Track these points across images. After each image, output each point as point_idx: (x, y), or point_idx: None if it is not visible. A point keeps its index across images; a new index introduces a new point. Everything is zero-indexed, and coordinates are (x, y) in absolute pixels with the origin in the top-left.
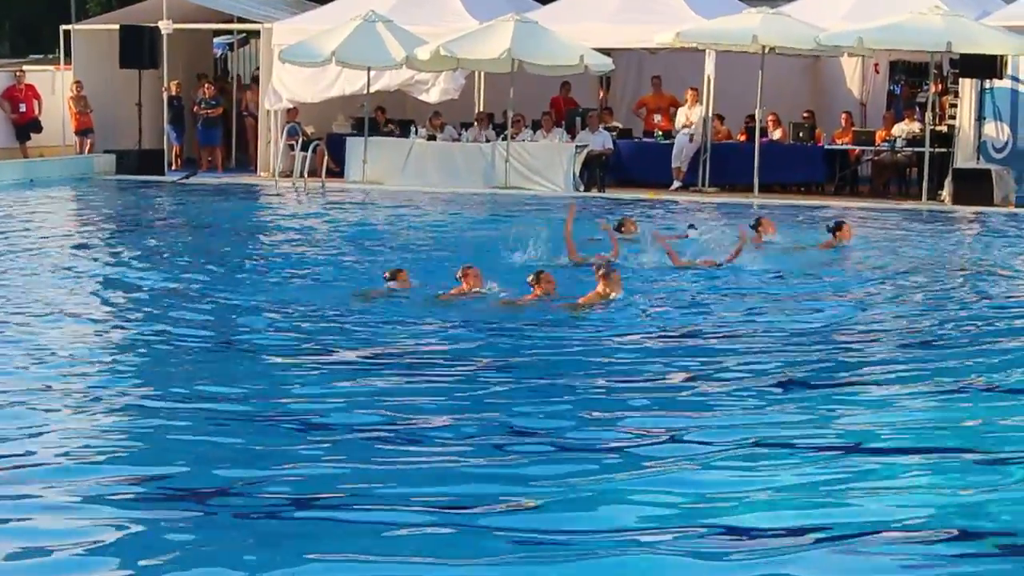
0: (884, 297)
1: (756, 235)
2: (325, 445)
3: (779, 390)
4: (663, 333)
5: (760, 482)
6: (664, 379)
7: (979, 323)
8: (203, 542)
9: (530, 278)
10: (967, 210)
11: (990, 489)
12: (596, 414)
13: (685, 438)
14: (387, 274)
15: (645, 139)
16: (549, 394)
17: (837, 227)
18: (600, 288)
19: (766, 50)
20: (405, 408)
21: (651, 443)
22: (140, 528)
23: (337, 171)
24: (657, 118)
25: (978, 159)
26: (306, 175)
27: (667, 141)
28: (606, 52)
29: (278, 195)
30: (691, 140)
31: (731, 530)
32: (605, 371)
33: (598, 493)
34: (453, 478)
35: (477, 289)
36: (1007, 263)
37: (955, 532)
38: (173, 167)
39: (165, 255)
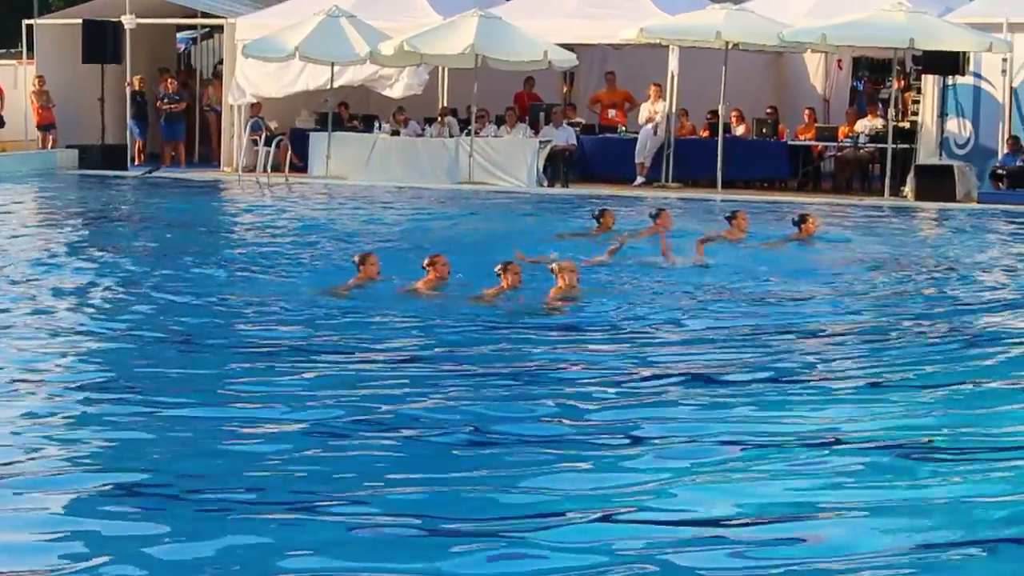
0: (851, 292)
1: (731, 228)
2: (290, 441)
3: (750, 385)
4: (634, 330)
5: (728, 475)
6: (632, 374)
7: (943, 320)
8: (164, 539)
9: (497, 268)
10: (929, 206)
11: (961, 483)
12: (557, 408)
13: (646, 432)
14: (356, 258)
15: (609, 135)
16: (512, 388)
17: (802, 220)
18: (559, 283)
19: (729, 46)
20: (370, 402)
21: (613, 439)
22: (94, 525)
23: (300, 166)
24: (612, 113)
25: (940, 155)
26: (269, 170)
27: (631, 136)
28: (570, 48)
29: (241, 190)
30: (655, 134)
31: (695, 523)
32: (569, 366)
33: (556, 487)
34: (419, 473)
35: (443, 278)
36: (973, 259)
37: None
38: (136, 162)
39: (128, 251)
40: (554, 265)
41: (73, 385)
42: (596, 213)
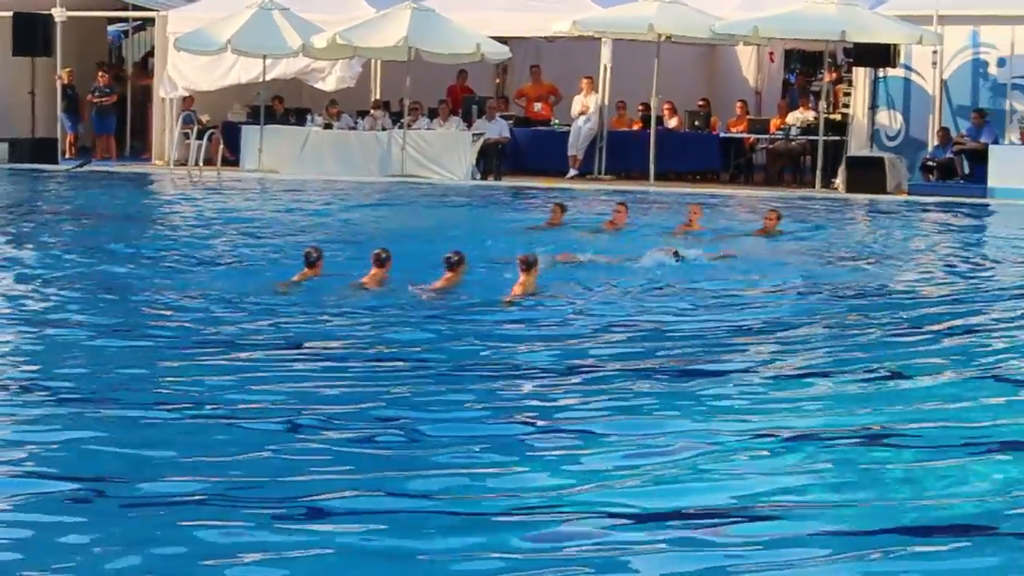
0: (798, 287)
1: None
2: (233, 437)
3: (704, 380)
4: (593, 325)
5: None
6: (589, 369)
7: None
8: (105, 537)
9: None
10: (861, 198)
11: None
12: (506, 403)
13: (599, 428)
14: (313, 252)
15: (542, 128)
16: (456, 383)
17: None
18: (523, 277)
19: (662, 38)
20: (312, 398)
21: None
22: (39, 521)
23: (233, 160)
24: (537, 106)
25: (871, 147)
26: (201, 163)
27: (564, 129)
28: (503, 40)
29: (173, 184)
30: (586, 133)
31: (638, 517)
32: (524, 360)
33: (504, 481)
34: (364, 469)
35: (387, 272)
36: (911, 249)
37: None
38: (67, 155)
39: (59, 245)
40: (520, 259)
41: (10, 383)
42: (551, 206)
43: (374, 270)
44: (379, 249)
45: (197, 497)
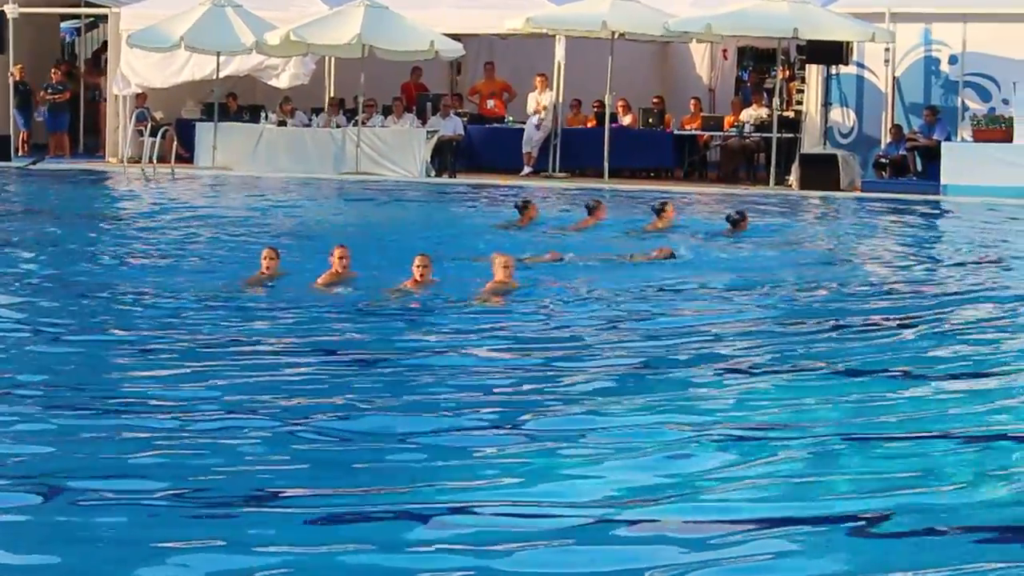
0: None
1: (657, 220)
2: (186, 434)
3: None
4: (563, 325)
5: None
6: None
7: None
8: (54, 536)
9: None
10: (814, 195)
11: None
12: (451, 405)
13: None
14: (263, 254)
15: (496, 125)
16: (402, 382)
17: (739, 217)
18: (498, 276)
19: (615, 36)
20: (268, 396)
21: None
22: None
23: (186, 157)
24: (491, 103)
25: (825, 144)
26: (155, 161)
27: (518, 126)
28: (457, 38)
29: (126, 181)
30: (539, 130)
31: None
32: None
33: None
34: (322, 466)
35: (346, 268)
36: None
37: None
38: (20, 153)
39: (12, 243)
40: (494, 258)
41: None
42: (519, 204)
43: (335, 267)
44: (337, 246)
45: (153, 496)
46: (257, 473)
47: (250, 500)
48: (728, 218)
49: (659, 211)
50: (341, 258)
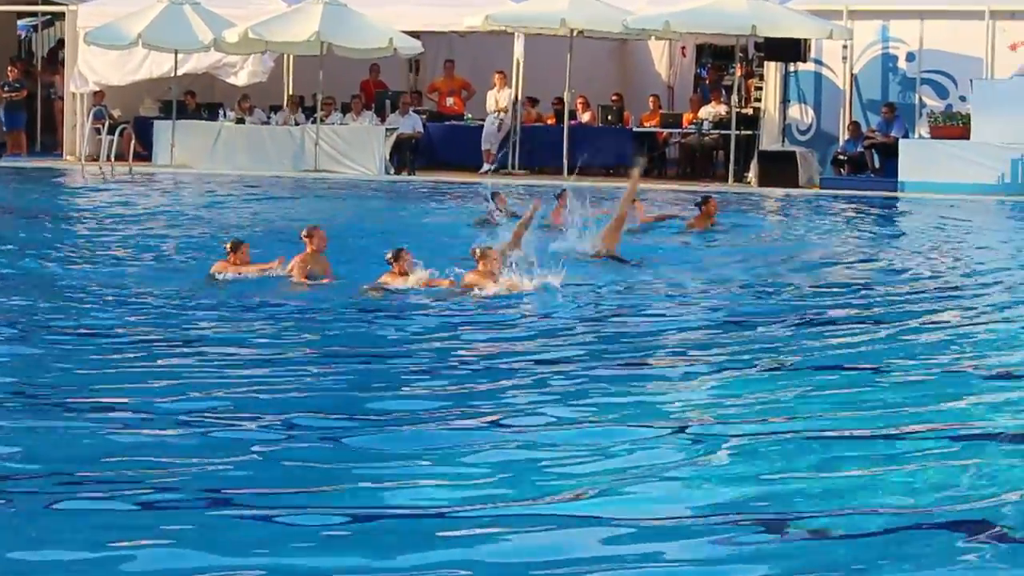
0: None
1: (701, 215)
2: (155, 432)
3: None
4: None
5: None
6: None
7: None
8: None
9: (388, 255)
10: (773, 192)
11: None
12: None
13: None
14: (228, 245)
15: (455, 122)
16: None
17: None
18: (480, 267)
19: (574, 33)
20: (237, 394)
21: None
22: None
23: (144, 155)
24: (450, 101)
25: (783, 141)
26: (113, 159)
27: (478, 124)
28: (416, 35)
29: (84, 179)
30: (499, 128)
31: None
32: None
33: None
34: (292, 462)
35: (319, 251)
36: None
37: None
38: None
39: None
40: (476, 249)
41: None
42: (488, 195)
43: (309, 248)
44: (311, 226)
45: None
46: (219, 473)
47: (216, 501)
48: (696, 203)
49: (701, 205)
50: (312, 239)
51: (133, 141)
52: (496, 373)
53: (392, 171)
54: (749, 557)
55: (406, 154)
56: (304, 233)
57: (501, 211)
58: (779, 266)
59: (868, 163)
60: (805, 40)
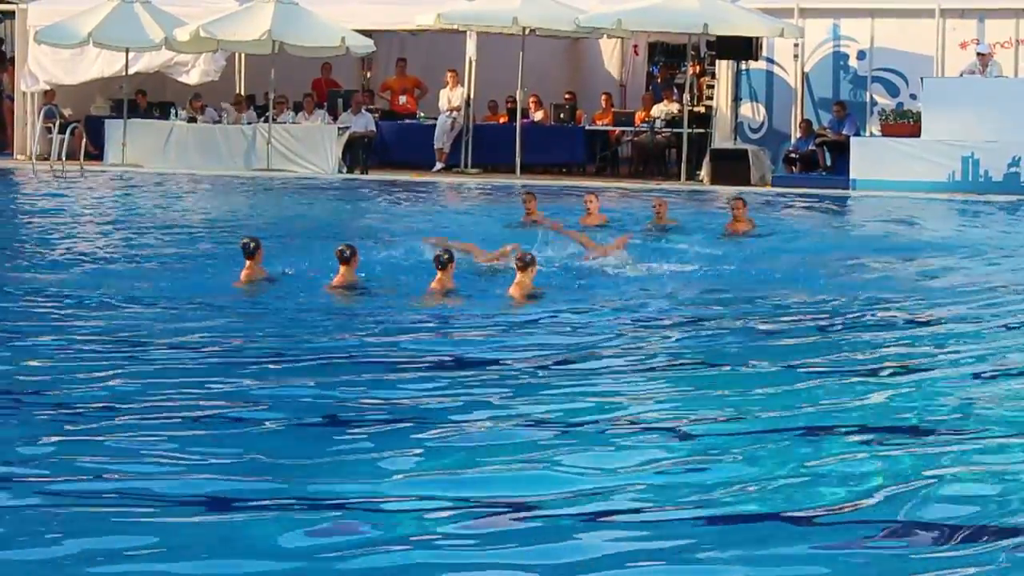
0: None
1: (734, 219)
2: (125, 432)
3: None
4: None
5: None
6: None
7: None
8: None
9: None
10: (725, 190)
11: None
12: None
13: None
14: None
15: (408, 121)
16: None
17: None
18: (519, 279)
19: (526, 31)
20: (216, 395)
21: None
22: None
23: (96, 154)
24: (403, 100)
25: (735, 139)
26: (64, 158)
27: (430, 122)
28: (368, 33)
29: (35, 179)
30: (451, 127)
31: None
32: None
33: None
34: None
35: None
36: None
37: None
38: None
39: None
40: (519, 261)
41: None
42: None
43: (342, 269)
44: (342, 246)
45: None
46: (195, 472)
47: (195, 501)
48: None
49: (732, 208)
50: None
51: (84, 140)
52: (493, 374)
53: (345, 170)
54: (736, 559)
55: (359, 153)
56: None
57: (531, 212)
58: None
59: (820, 161)
60: (757, 38)
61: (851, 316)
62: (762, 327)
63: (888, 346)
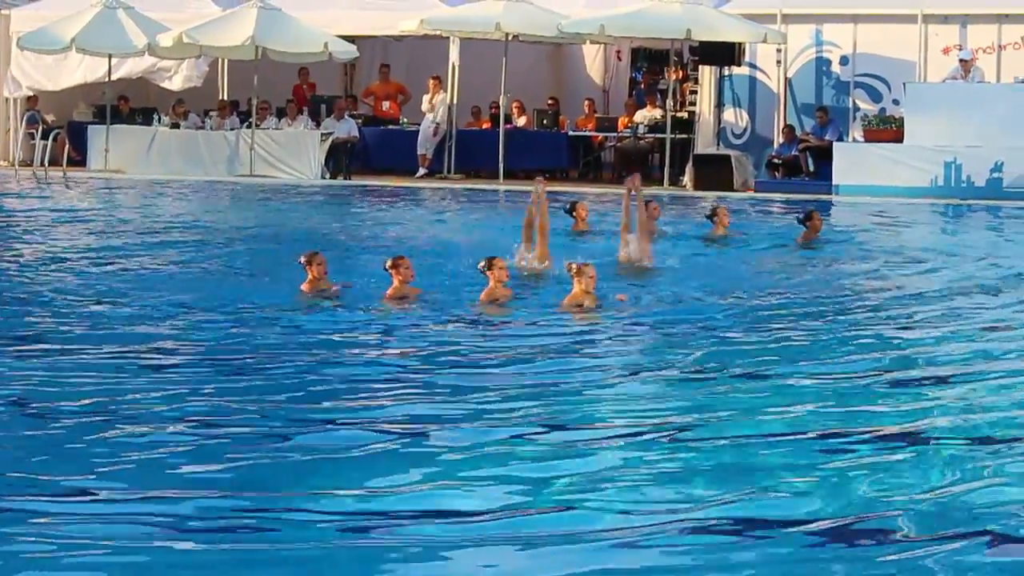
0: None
1: (808, 230)
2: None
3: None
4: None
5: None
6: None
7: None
8: None
9: (482, 264)
10: (708, 195)
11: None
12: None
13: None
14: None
15: (391, 126)
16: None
17: (807, 217)
18: (577, 287)
19: (509, 37)
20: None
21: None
22: None
23: (79, 160)
24: (386, 105)
25: (718, 145)
26: (47, 164)
27: (413, 128)
28: (351, 39)
29: (18, 184)
30: (434, 132)
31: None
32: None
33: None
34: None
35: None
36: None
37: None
38: None
39: None
40: (573, 268)
41: None
42: (568, 208)
43: (396, 280)
44: (395, 257)
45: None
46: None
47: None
48: (799, 219)
49: (805, 220)
50: (398, 268)
51: (67, 146)
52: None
53: (328, 175)
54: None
55: (342, 158)
56: (389, 264)
57: (583, 221)
58: (718, 271)
59: (802, 166)
60: (739, 44)
61: (840, 320)
62: (759, 330)
63: (881, 351)
